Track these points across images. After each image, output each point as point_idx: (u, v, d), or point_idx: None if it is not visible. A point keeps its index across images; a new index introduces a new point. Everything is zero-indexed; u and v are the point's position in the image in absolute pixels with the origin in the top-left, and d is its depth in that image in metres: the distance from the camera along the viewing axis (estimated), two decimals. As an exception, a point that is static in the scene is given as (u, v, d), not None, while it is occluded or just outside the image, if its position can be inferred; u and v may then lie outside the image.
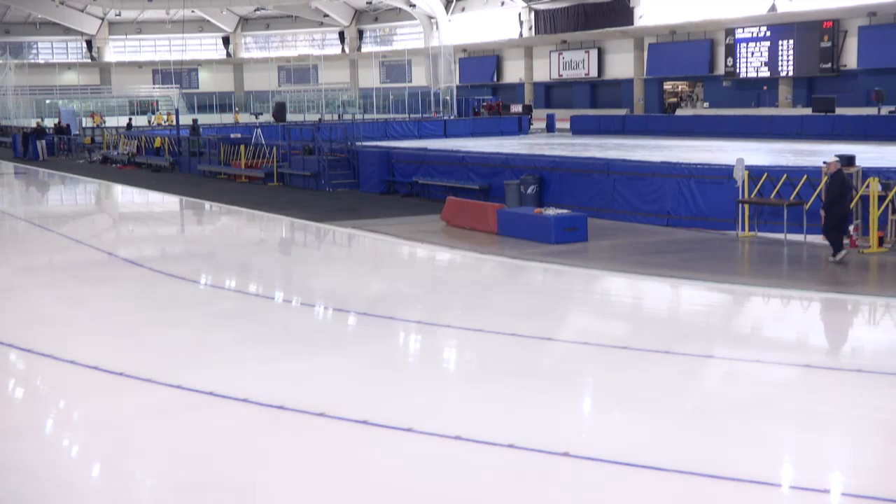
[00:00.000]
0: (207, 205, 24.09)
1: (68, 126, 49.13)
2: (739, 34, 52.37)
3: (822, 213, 14.16)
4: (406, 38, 74.27)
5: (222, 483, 6.37)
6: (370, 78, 69.04)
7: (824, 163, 14.70)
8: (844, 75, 48.02)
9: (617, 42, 59.55)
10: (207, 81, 78.18)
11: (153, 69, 77.44)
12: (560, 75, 64.18)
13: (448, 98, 59.26)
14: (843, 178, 14.16)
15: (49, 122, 52.16)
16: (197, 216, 23.63)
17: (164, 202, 25.84)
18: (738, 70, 52.94)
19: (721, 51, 53.82)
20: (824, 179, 14.71)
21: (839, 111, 41.40)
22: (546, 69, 65.04)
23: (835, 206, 13.93)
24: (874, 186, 14.71)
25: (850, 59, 47.82)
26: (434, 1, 67.19)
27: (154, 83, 77.63)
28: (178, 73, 74.38)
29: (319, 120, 51.41)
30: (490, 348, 9.73)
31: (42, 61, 75.70)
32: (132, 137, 39.78)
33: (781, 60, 50.63)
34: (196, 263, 15.98)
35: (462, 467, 6.52)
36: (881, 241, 14.58)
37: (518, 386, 8.33)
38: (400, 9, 70.98)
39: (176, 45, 72.89)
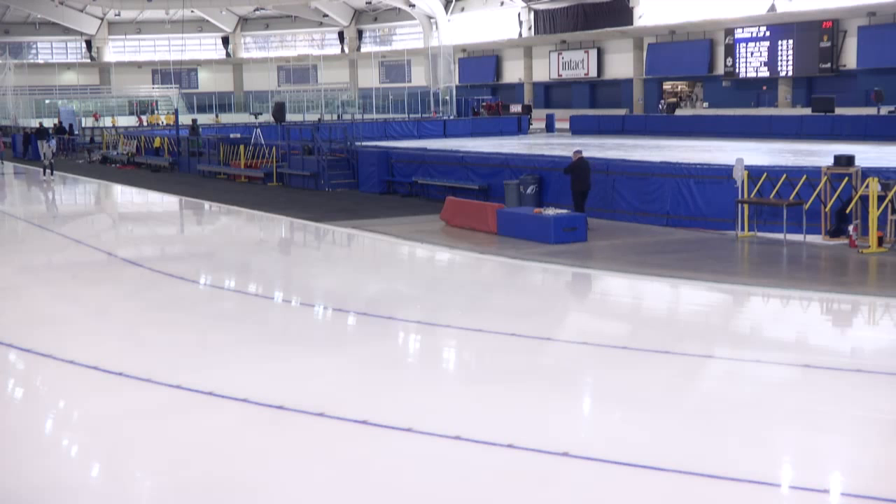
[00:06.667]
0: (207, 205, 24.08)
1: (71, 126, 49.10)
2: (739, 34, 52.39)
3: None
4: (405, 38, 74.27)
5: (222, 483, 6.37)
6: (370, 78, 69.05)
7: (574, 152, 18.08)
8: (844, 75, 48.05)
9: (616, 42, 59.57)
10: (207, 81, 78.17)
11: (153, 69, 77.41)
12: (559, 75, 64.20)
13: (447, 98, 59.24)
14: (582, 164, 17.61)
15: (48, 123, 52.09)
16: (196, 216, 23.62)
17: (164, 202, 25.83)
18: (737, 70, 52.95)
19: (720, 51, 53.84)
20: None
21: (838, 111, 41.39)
22: (545, 69, 65.05)
23: (574, 185, 17.53)
24: (873, 186, 14.70)
25: (850, 59, 47.85)
26: (433, 1, 67.18)
27: (153, 83, 77.58)
28: (178, 73, 74.33)
29: (319, 120, 51.36)
30: (490, 348, 9.73)
31: (41, 61, 75.70)
32: (132, 137, 39.79)
33: (781, 60, 50.65)
34: (196, 263, 15.98)
35: (461, 467, 6.52)
36: (881, 241, 14.58)
37: (517, 386, 8.33)
38: (399, 9, 70.98)
39: (175, 45, 72.82)
